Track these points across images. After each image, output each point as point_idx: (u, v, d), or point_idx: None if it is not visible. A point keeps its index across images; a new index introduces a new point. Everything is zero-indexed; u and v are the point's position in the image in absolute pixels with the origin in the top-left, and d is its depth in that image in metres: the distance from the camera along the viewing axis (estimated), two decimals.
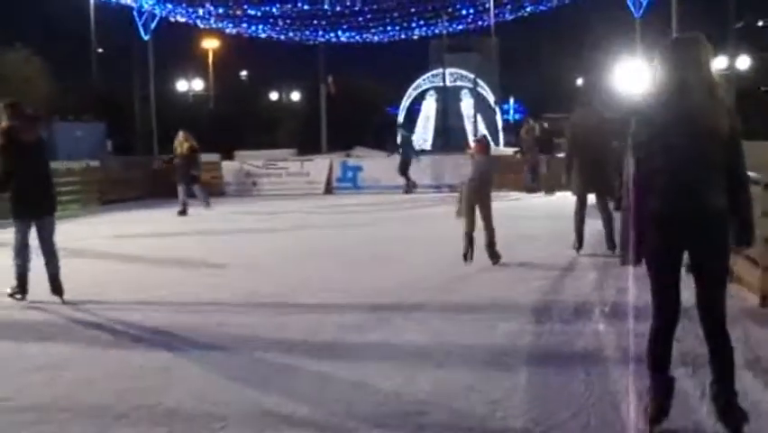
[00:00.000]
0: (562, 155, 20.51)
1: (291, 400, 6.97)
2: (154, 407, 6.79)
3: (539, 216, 20.74)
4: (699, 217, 5.60)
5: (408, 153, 31.29)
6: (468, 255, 13.30)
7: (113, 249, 17.10)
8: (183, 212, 23.34)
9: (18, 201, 11.05)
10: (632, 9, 25.14)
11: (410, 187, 30.29)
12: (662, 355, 5.83)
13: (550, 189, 26.70)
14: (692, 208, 5.59)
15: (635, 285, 9.14)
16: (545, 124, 30.89)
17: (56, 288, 11.18)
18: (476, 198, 13.59)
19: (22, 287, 11.21)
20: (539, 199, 25.96)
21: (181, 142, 23.88)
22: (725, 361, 5.65)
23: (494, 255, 13.48)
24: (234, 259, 15.19)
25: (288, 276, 13.31)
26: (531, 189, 27.56)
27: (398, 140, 32.54)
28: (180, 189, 23.76)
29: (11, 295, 11.19)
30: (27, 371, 8.01)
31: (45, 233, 11.25)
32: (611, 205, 14.40)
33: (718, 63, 56.92)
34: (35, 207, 11.13)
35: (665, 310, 5.78)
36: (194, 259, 15.64)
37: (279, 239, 18.61)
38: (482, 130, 48.44)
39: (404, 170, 30.51)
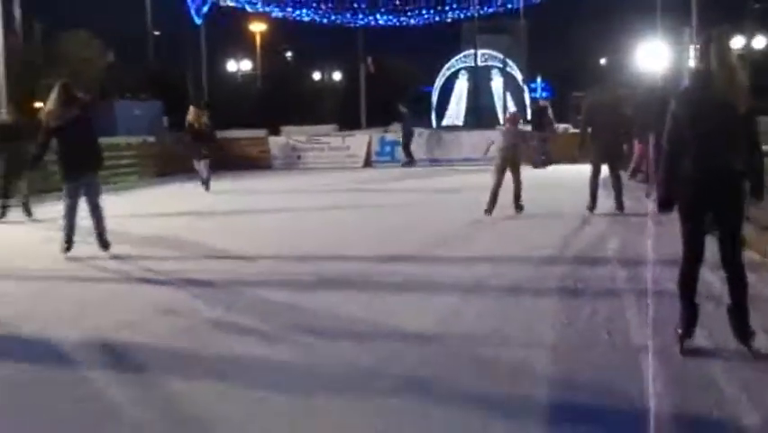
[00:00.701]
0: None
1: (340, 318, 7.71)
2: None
3: (552, 184, 20.90)
4: (722, 178, 6.51)
5: (409, 129, 31.50)
6: (490, 210, 15.28)
7: (163, 213, 17.58)
8: (205, 184, 22.14)
9: (63, 166, 11.95)
10: None
11: (410, 162, 30.69)
12: (690, 288, 6.67)
13: (543, 164, 27.05)
14: (717, 169, 6.49)
15: (638, 236, 12.52)
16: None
17: (103, 243, 11.98)
18: (508, 161, 15.57)
19: (68, 243, 11.92)
20: (543, 172, 25.94)
21: (196, 116, 22.56)
22: (740, 292, 6.53)
23: (519, 207, 15.62)
24: (274, 221, 15.99)
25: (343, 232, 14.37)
26: (538, 165, 26.91)
27: (405, 118, 32.25)
28: (199, 165, 22.35)
29: (64, 251, 11.89)
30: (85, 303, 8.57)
31: (91, 192, 11.94)
32: (623, 174, 15.70)
33: (736, 43, 56.27)
34: (79, 168, 11.82)
35: (693, 252, 6.65)
36: (237, 221, 16.42)
37: (328, 200, 19.41)
38: (511, 107, 47.89)
39: (406, 144, 30.90)
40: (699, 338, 6.70)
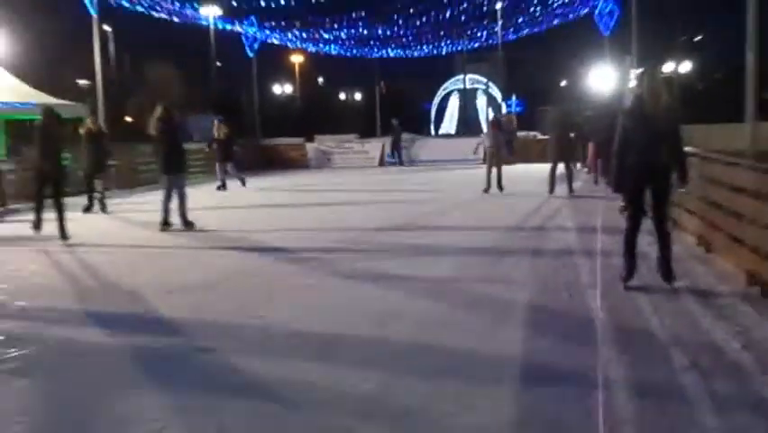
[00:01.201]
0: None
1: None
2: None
3: (521, 176, 20.83)
4: (655, 168, 7.16)
5: (398, 137, 32.01)
6: (486, 189, 17.31)
7: (229, 203, 17.54)
8: (222, 187, 20.77)
9: (162, 164, 12.59)
10: (601, 27, 24.98)
11: (397, 163, 31.35)
12: (631, 245, 7.34)
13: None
14: (651, 162, 7.12)
15: (586, 212, 13.37)
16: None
17: (186, 223, 12.54)
18: (494, 157, 17.45)
19: (165, 222, 12.46)
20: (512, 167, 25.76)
21: (218, 129, 21.17)
22: (666, 248, 7.22)
23: (501, 187, 17.26)
24: (320, 206, 16.08)
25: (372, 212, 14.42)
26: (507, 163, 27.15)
27: (396, 131, 32.70)
28: (218, 169, 21.30)
29: (161, 230, 12.36)
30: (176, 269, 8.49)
31: (180, 184, 12.55)
32: (574, 167, 17.15)
33: (666, 68, 56.11)
34: (172, 166, 12.50)
35: (634, 220, 7.31)
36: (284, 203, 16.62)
37: (354, 188, 19.64)
38: (501, 117, 48.00)
39: (394, 149, 31.64)
40: (635, 281, 7.28)
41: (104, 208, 15.84)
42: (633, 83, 19.40)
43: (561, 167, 16.27)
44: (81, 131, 16.13)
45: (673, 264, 7.27)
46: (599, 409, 4.20)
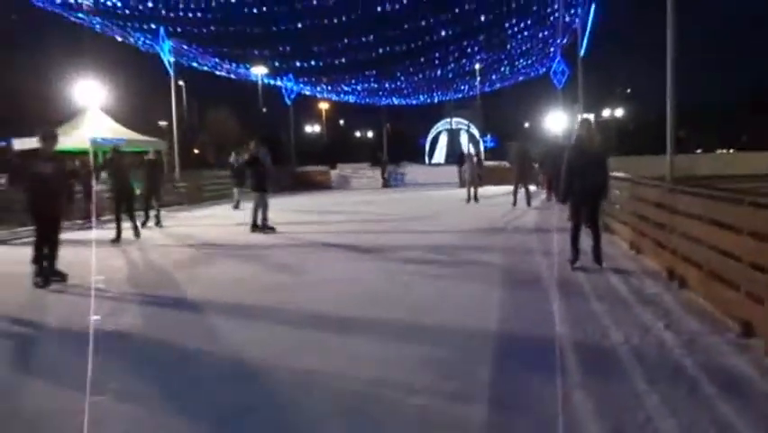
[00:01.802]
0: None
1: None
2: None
3: (490, 194, 21.02)
4: (591, 189, 7.82)
5: (384, 167, 32.30)
6: (467, 200, 18.75)
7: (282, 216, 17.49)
8: (236, 207, 18.89)
9: (253, 184, 13.26)
10: (555, 83, 24.94)
11: (388, 183, 31.55)
12: (576, 240, 7.97)
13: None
14: (589, 186, 7.79)
15: (541, 216, 14.30)
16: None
17: (268, 227, 12.63)
18: (473, 181, 19.23)
19: (254, 226, 12.70)
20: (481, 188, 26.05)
21: (233, 159, 19.56)
22: (597, 242, 7.91)
23: (477, 200, 18.81)
24: (350, 215, 16.04)
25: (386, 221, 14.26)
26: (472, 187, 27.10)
27: (384, 163, 33.14)
28: (235, 192, 19.43)
29: (252, 231, 12.58)
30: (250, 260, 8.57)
31: (262, 199, 12.82)
32: (531, 188, 17.78)
33: (605, 113, 56.11)
34: (258, 187, 12.91)
35: (577, 224, 8.01)
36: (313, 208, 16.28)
37: (369, 203, 19.48)
38: (473, 153, 48.09)
39: (383, 174, 31.75)
40: (577, 264, 7.84)
41: (158, 223, 14.59)
42: (577, 126, 19.99)
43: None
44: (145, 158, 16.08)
45: (610, 262, 7.64)
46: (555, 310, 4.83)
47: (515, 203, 16.74)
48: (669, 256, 7.15)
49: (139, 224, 12.74)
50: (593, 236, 7.92)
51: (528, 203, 16.73)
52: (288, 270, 8.58)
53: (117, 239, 11.74)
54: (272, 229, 12.64)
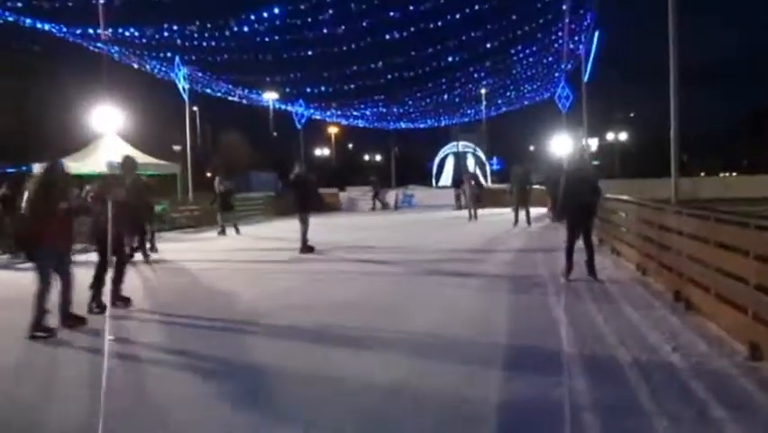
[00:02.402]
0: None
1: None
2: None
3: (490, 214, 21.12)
4: (584, 207, 8.69)
5: (377, 189, 31.85)
6: (470, 219, 19.98)
7: (285, 234, 17.40)
8: (222, 232, 17.88)
9: (297, 205, 13.11)
10: (559, 107, 25.03)
11: (384, 206, 31.22)
12: (570, 254, 8.66)
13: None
14: (582, 206, 8.64)
15: (541, 235, 14.84)
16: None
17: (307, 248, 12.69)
18: (474, 202, 20.69)
19: (307, 247, 12.69)
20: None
21: (217, 185, 18.28)
22: (590, 255, 8.69)
23: (476, 218, 20.16)
24: (364, 232, 15.96)
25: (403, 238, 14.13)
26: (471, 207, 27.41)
27: (374, 184, 32.67)
28: (219, 218, 18.35)
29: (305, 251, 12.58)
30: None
31: (303, 219, 12.89)
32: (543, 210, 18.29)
33: (608, 136, 56.12)
34: (302, 208, 12.98)
35: (572, 240, 8.70)
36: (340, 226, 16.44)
37: (383, 223, 19.46)
38: (479, 175, 48.16)
39: (376, 196, 31.40)
40: (573, 275, 8.51)
41: (152, 247, 13.56)
42: (577, 151, 21.27)
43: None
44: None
45: (616, 283, 7.68)
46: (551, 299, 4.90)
47: (516, 222, 17.50)
48: (675, 278, 7.08)
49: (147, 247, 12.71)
50: (587, 252, 8.68)
51: (528, 222, 17.44)
52: (389, 292, 8.34)
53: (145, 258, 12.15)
54: (311, 249, 12.63)
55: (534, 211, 18.18)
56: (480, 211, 21.10)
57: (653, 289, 7.77)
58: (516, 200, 18.03)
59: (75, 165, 20.49)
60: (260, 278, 9.98)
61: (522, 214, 17.55)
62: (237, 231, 18.16)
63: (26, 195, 6.42)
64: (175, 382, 4.73)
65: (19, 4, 18.11)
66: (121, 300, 7.39)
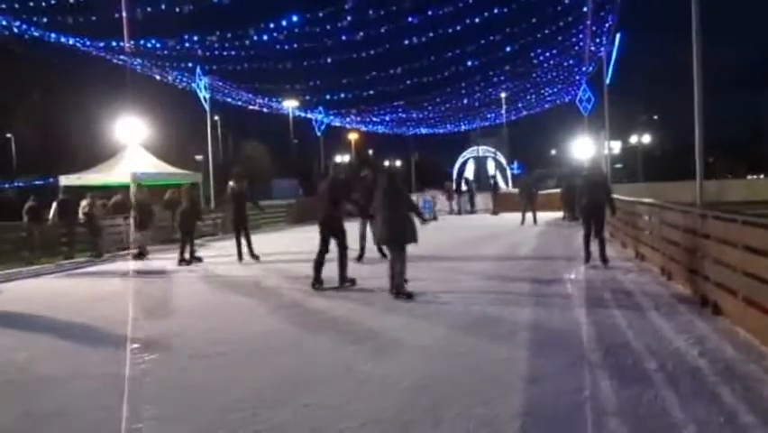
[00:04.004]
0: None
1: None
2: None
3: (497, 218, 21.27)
4: (597, 206, 10.38)
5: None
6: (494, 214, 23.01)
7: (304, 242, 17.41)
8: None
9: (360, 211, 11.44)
10: (581, 110, 24.85)
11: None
12: (587, 245, 10.48)
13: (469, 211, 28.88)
14: (594, 204, 10.36)
15: (559, 232, 16.29)
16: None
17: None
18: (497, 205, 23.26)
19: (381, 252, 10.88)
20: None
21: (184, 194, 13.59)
22: (603, 247, 10.29)
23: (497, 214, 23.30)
24: None
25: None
26: (467, 212, 28.48)
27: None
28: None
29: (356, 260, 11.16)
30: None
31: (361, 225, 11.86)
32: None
33: (631, 139, 55.51)
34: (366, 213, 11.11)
35: (588, 233, 10.50)
36: None
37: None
38: (500, 181, 47.82)
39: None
40: (592, 262, 10.06)
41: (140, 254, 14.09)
42: (592, 159, 22.23)
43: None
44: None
45: (641, 287, 7.49)
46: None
47: (523, 221, 19.88)
48: (701, 282, 6.99)
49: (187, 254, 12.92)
50: (599, 242, 10.29)
51: (534, 222, 19.92)
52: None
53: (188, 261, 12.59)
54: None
55: (551, 215, 21.49)
56: (503, 214, 22.85)
57: (679, 293, 7.67)
58: (523, 204, 20.61)
59: (100, 177, 20.99)
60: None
61: (529, 215, 20.17)
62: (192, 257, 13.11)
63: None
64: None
65: (45, 20, 18.54)
66: (347, 281, 8.90)
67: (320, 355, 5.55)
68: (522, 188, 21.94)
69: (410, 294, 7.93)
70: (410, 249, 8.27)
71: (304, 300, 8.25)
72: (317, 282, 8.93)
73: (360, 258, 11.33)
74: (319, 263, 8.94)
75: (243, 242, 13.03)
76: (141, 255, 14.35)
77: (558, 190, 24.47)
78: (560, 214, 22.37)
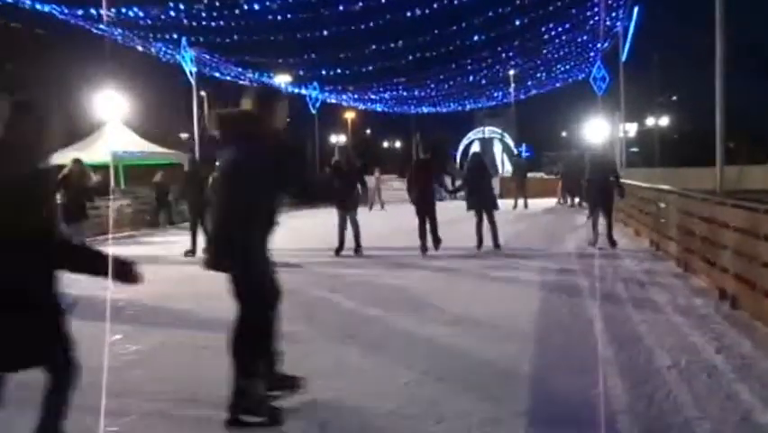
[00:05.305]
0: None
1: None
2: None
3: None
4: (603, 188, 10.99)
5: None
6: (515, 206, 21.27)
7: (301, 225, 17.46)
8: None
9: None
10: (595, 89, 24.80)
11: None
12: (595, 226, 11.09)
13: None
14: (600, 186, 11.01)
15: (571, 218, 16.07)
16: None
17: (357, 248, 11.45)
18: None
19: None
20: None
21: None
22: (610, 229, 11.19)
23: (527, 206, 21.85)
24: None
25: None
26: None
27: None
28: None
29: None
30: None
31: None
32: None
33: (648, 121, 55.47)
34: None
35: (595, 214, 11.12)
36: None
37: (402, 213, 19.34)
38: (507, 165, 47.88)
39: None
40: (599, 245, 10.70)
41: None
42: (614, 136, 24.42)
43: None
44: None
45: (655, 277, 7.52)
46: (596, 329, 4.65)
47: (515, 207, 20.95)
48: (720, 274, 7.04)
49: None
50: (606, 224, 11.10)
51: (526, 206, 21.49)
52: None
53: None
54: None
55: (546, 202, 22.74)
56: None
57: (696, 285, 7.74)
58: (515, 188, 22.18)
59: (77, 155, 20.93)
60: None
61: (521, 201, 21.68)
62: None
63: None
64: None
65: None
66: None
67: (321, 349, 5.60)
68: (515, 172, 23.46)
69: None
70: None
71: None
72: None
73: (338, 252, 11.34)
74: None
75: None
76: None
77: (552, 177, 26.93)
78: (554, 201, 23.58)
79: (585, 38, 27.93)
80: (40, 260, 2.80)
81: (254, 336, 3.82)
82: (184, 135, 41.65)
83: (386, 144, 79.88)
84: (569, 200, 22.99)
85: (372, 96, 40.31)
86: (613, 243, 11.05)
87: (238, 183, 3.73)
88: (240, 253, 3.69)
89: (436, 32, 28.30)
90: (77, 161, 11.33)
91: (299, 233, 14.27)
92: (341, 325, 6.37)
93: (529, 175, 25.91)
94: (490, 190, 11.68)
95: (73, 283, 3.13)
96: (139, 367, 5.13)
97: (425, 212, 11.11)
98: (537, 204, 22.47)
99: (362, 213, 12.27)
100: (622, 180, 11.68)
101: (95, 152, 20.22)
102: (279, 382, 4.10)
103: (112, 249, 9.97)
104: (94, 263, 3.00)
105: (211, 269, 3.79)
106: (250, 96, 3.97)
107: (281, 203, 3.92)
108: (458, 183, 12.69)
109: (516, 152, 61.29)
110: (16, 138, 2.90)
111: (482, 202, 11.31)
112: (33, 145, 2.94)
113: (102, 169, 19.79)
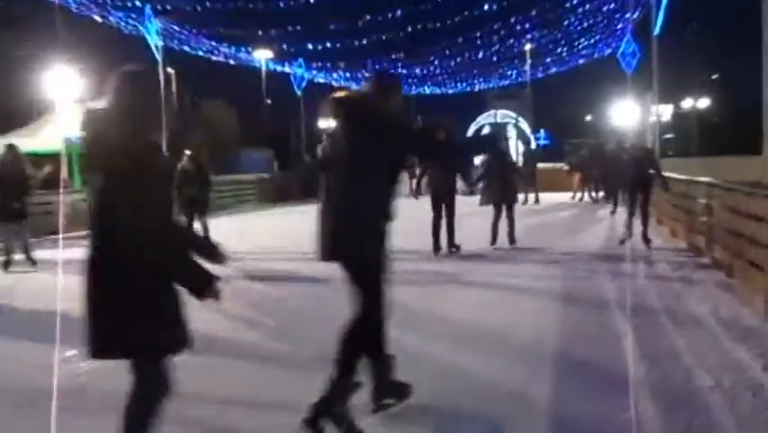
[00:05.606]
0: None
1: None
2: None
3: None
4: (638, 182, 11.52)
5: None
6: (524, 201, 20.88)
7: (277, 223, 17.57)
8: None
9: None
10: (624, 66, 24.81)
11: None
12: (630, 221, 11.64)
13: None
14: (634, 179, 11.55)
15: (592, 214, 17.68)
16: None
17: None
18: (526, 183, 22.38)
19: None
20: None
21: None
22: (645, 225, 11.63)
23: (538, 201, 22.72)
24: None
25: None
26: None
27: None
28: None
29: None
30: None
31: None
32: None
33: (684, 103, 55.57)
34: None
35: (632, 210, 11.65)
36: None
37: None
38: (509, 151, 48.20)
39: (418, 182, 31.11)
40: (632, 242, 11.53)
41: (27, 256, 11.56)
42: (646, 121, 25.04)
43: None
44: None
45: (693, 285, 7.64)
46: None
47: (524, 201, 20.76)
48: None
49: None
50: (642, 221, 11.48)
51: (537, 201, 22.40)
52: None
53: None
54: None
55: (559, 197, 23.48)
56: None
57: (741, 294, 7.74)
58: (524, 181, 21.79)
59: (23, 142, 20.88)
60: None
61: (531, 195, 22.17)
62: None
63: None
64: None
65: None
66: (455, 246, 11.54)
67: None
68: (525, 162, 23.55)
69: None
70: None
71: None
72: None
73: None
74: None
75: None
76: (6, 264, 11.32)
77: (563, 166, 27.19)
78: (567, 195, 24.00)
79: (612, 6, 27.91)
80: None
81: (369, 335, 4.10)
82: None
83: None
84: (591, 195, 23.22)
85: (367, 75, 40.30)
86: (647, 240, 11.50)
87: (372, 168, 4.11)
88: (376, 239, 4.08)
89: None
90: (10, 147, 11.02)
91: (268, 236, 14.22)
92: None
93: (540, 166, 25.91)
94: (514, 182, 12.46)
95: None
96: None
97: (445, 205, 11.34)
98: (550, 198, 23.07)
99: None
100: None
101: (44, 138, 20.20)
102: (389, 390, 4.30)
103: (63, 251, 9.85)
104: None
105: (332, 259, 4.10)
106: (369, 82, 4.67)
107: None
108: (478, 173, 12.76)
109: (531, 138, 61.52)
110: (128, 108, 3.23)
111: (504, 195, 11.92)
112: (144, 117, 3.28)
113: (53, 158, 19.79)
